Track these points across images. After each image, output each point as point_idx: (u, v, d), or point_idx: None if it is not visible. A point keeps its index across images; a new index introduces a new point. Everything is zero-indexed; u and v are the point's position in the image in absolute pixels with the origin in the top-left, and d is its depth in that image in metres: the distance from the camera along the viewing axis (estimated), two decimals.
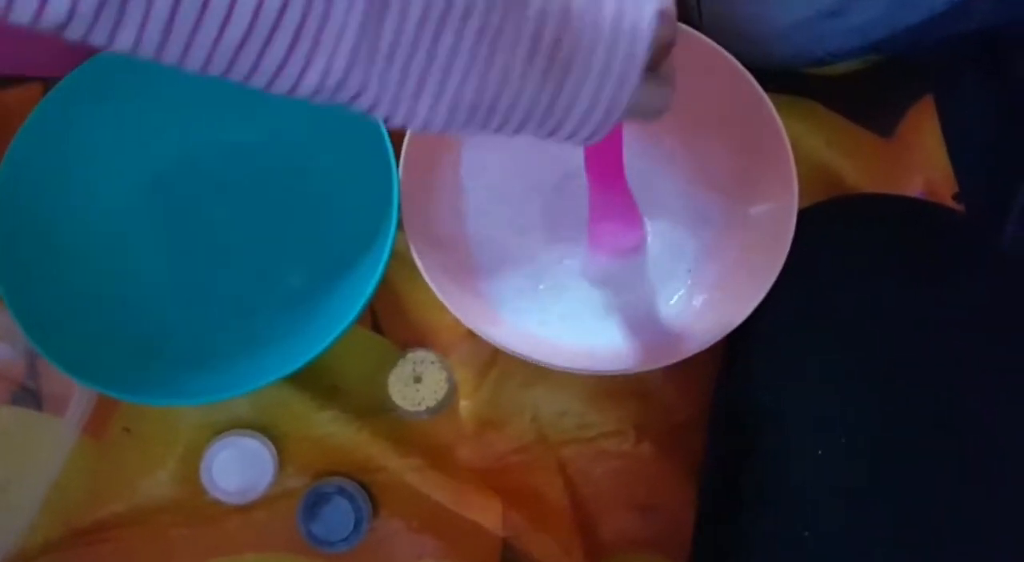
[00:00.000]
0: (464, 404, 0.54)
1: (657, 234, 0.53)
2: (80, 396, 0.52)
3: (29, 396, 0.53)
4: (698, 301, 0.51)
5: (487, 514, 0.52)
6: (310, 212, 0.54)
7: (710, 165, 0.52)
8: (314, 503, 0.50)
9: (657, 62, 0.33)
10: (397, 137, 0.48)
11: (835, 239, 0.48)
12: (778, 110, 0.47)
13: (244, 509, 0.52)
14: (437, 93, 0.29)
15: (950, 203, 0.55)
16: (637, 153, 0.52)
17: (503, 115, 0.30)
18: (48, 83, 0.55)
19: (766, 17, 0.48)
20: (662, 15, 0.31)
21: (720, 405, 0.50)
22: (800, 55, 0.50)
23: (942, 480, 0.41)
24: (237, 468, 0.51)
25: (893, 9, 0.46)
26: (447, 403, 0.52)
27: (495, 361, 0.54)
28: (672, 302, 0.52)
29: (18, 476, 0.51)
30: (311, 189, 0.54)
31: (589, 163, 0.43)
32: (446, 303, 0.46)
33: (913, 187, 0.56)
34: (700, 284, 0.52)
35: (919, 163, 0.56)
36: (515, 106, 0.30)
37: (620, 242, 0.50)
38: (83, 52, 0.50)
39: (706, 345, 0.46)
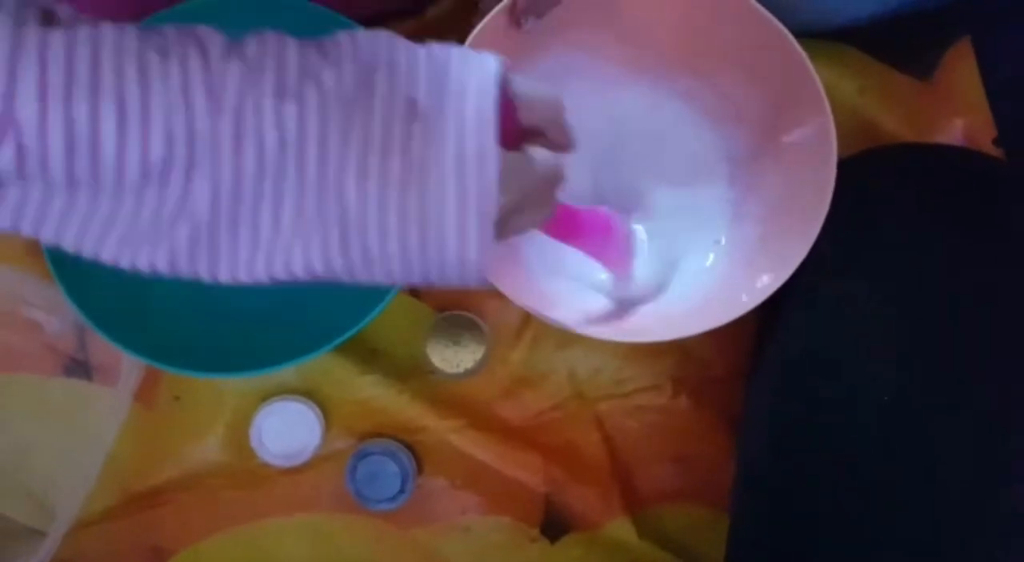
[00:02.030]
0: (501, 364, 0.54)
1: (684, 182, 0.52)
2: (129, 366, 0.53)
3: (80, 368, 0.55)
4: (743, 247, 0.50)
5: (528, 470, 0.53)
6: None
7: (731, 98, 0.50)
8: (361, 464, 0.52)
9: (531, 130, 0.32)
10: None
11: (873, 191, 0.48)
12: (809, 55, 0.46)
13: (293, 471, 0.53)
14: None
15: (990, 148, 0.54)
16: (649, 95, 0.51)
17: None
18: None
19: None
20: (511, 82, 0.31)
21: (766, 358, 0.50)
22: (816, 23, 0.49)
23: (1003, 417, 0.41)
24: (285, 432, 0.52)
25: None
26: (484, 364, 0.53)
27: (530, 321, 0.54)
28: (709, 261, 0.51)
29: (76, 446, 0.53)
30: None
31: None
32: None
33: (952, 132, 0.55)
34: (743, 230, 0.50)
35: (958, 107, 0.55)
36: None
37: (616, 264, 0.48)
38: None
39: (761, 297, 0.44)
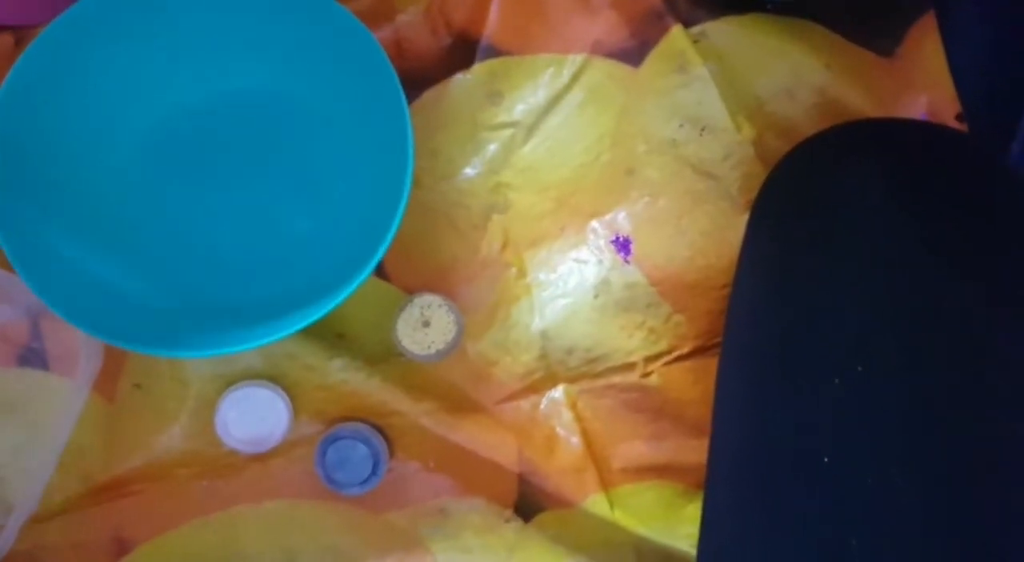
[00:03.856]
0: (472, 345, 0.54)
1: None
2: (88, 353, 0.51)
3: (35, 357, 0.53)
4: None
5: (502, 451, 0.53)
6: (320, 160, 0.52)
7: None
8: (331, 448, 0.51)
9: None
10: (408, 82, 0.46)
11: (839, 167, 0.48)
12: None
13: (262, 458, 0.52)
14: None
15: (953, 123, 0.55)
16: None
17: None
18: (18, 34, 0.53)
19: None
20: None
21: (736, 332, 0.50)
22: None
23: (953, 379, 0.41)
24: (252, 418, 0.51)
25: None
26: (456, 345, 0.52)
27: (501, 302, 0.54)
28: None
29: (32, 438, 0.51)
30: (321, 136, 0.52)
31: None
32: None
33: (916, 108, 0.55)
34: None
35: (922, 83, 0.55)
36: None
37: None
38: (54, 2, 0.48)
39: None
